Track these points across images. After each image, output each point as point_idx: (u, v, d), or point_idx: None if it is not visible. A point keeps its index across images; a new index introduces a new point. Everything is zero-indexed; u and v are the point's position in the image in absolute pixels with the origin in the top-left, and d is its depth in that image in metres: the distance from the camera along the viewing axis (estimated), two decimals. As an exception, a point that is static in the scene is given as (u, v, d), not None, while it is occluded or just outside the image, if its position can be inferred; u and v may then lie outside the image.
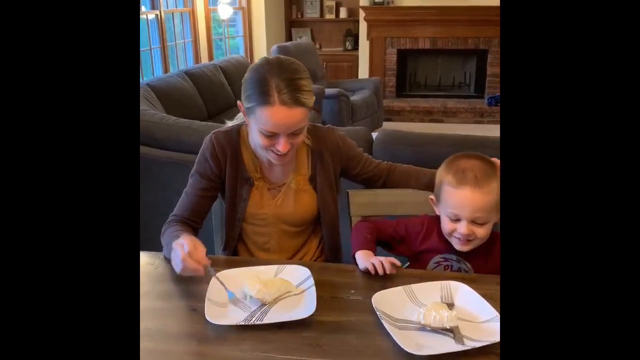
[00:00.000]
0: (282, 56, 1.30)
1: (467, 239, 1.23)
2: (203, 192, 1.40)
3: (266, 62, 1.27)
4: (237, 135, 1.42)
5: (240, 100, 1.31)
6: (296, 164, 1.44)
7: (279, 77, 1.22)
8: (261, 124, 1.24)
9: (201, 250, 1.16)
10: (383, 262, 1.19)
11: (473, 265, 1.29)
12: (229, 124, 1.48)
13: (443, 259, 1.31)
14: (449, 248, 1.29)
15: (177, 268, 1.16)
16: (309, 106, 1.26)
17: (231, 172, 1.41)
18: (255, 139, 1.31)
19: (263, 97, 1.22)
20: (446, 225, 1.25)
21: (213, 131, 1.44)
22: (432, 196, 1.33)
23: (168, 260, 1.28)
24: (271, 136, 1.26)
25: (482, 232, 1.22)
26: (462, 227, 1.21)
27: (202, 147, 1.43)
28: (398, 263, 1.22)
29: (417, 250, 1.34)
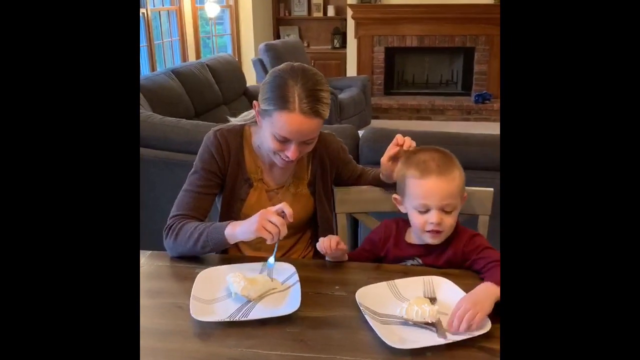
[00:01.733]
0: (305, 65, 1.30)
1: (438, 230, 1.23)
2: (207, 189, 1.39)
3: (290, 68, 1.27)
4: (241, 136, 1.42)
5: (256, 100, 1.31)
6: (296, 168, 1.45)
7: (302, 86, 1.22)
8: (276, 129, 1.25)
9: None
10: (324, 241, 1.24)
11: (428, 262, 1.29)
12: (233, 121, 1.47)
13: (400, 260, 1.34)
14: (405, 252, 1.32)
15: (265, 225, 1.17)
16: (325, 118, 1.27)
17: (232, 171, 1.41)
18: (266, 141, 1.31)
19: (283, 102, 1.22)
20: (416, 220, 1.26)
21: (215, 128, 1.43)
22: (395, 195, 1.35)
23: (160, 255, 1.31)
24: (283, 141, 1.27)
25: (450, 220, 1.24)
26: (433, 216, 1.22)
27: (204, 144, 1.41)
28: (342, 244, 1.25)
29: (380, 255, 1.37)
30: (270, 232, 1.15)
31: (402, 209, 1.33)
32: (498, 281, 1.04)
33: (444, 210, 1.23)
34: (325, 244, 1.24)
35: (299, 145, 1.27)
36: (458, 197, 1.25)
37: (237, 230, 1.23)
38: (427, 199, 1.23)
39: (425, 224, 1.24)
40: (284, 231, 1.16)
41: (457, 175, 1.25)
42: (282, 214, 1.18)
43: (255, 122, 1.38)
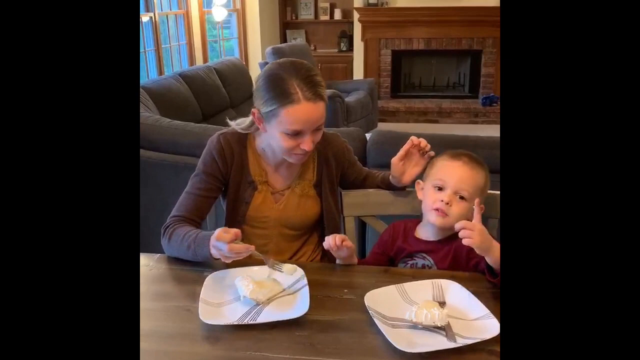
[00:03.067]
0: (290, 58, 1.31)
1: (445, 212, 1.26)
2: (207, 192, 1.39)
3: (279, 65, 1.28)
4: (245, 139, 1.42)
5: (254, 107, 1.31)
6: (301, 170, 1.45)
7: (298, 76, 1.23)
8: (287, 125, 1.25)
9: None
10: (330, 238, 1.24)
11: (436, 259, 1.31)
12: (232, 124, 1.46)
13: (409, 258, 1.35)
14: (414, 248, 1.33)
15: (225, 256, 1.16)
16: (326, 100, 1.29)
17: (235, 174, 1.41)
18: (277, 142, 1.30)
19: (286, 96, 1.22)
20: (429, 197, 1.30)
21: (219, 132, 1.43)
22: (418, 180, 1.38)
23: (168, 258, 1.31)
24: (296, 136, 1.27)
25: (460, 208, 1.26)
26: (445, 195, 1.26)
27: (207, 147, 1.42)
28: (349, 242, 1.25)
29: (391, 254, 1.39)
30: (229, 257, 1.15)
31: (420, 195, 1.35)
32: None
33: (458, 194, 1.26)
34: (330, 241, 1.24)
35: (311, 134, 1.28)
36: (475, 192, 1.27)
37: (215, 253, 1.20)
38: (448, 176, 1.28)
39: (436, 201, 1.27)
40: (237, 250, 1.13)
41: (482, 176, 1.29)
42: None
43: (251, 128, 1.38)
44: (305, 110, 1.23)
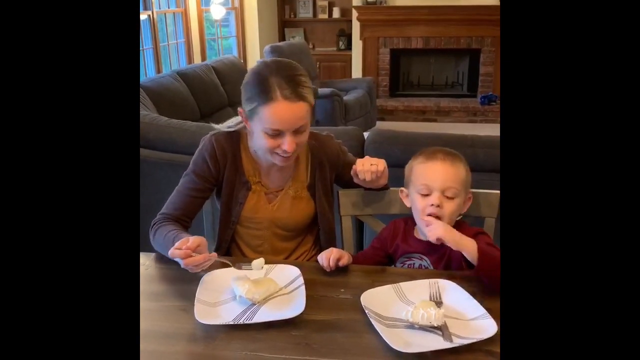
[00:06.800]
0: (278, 58, 1.32)
1: (437, 215, 1.24)
2: (196, 193, 1.40)
3: (264, 64, 1.28)
4: (238, 139, 1.42)
5: (240, 107, 1.32)
6: (295, 171, 1.44)
7: (279, 75, 1.23)
8: (266, 123, 1.24)
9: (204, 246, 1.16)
10: (324, 258, 1.25)
11: (433, 260, 1.31)
12: (218, 127, 1.46)
13: (407, 258, 1.35)
14: (412, 247, 1.33)
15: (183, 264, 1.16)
16: (310, 102, 1.27)
17: (229, 175, 1.40)
18: (260, 141, 1.30)
19: (265, 95, 1.22)
20: (418, 204, 1.28)
21: (212, 132, 1.43)
22: (402, 189, 1.37)
23: (163, 257, 1.30)
24: (276, 135, 1.26)
25: (450, 207, 1.25)
26: (434, 198, 1.24)
27: (200, 148, 1.42)
28: (345, 259, 1.25)
29: (389, 252, 1.38)
30: (190, 269, 1.15)
31: (407, 202, 1.34)
32: (480, 248, 1.13)
33: (445, 195, 1.25)
34: (324, 263, 1.24)
35: (292, 135, 1.26)
36: (461, 187, 1.26)
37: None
38: (431, 180, 1.26)
39: (425, 207, 1.25)
40: (194, 262, 1.12)
41: (462, 168, 1.28)
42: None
43: (239, 126, 1.39)
44: (282, 109, 1.22)
